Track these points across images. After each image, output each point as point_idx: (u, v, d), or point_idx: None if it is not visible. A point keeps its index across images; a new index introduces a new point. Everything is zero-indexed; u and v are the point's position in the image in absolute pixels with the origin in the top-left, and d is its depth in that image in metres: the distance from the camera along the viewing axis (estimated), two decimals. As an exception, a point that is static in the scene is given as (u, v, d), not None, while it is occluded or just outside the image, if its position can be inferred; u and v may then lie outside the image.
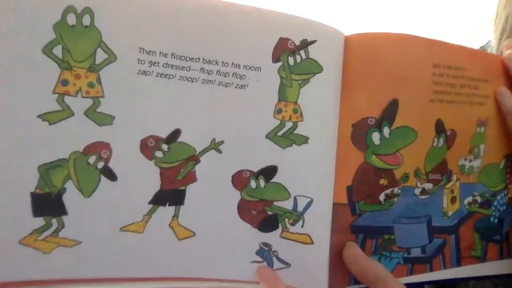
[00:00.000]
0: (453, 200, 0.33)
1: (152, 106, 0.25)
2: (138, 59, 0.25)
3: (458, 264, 0.34)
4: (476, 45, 0.49)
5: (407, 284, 0.32)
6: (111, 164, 0.25)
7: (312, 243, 0.28)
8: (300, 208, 0.28)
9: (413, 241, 0.32)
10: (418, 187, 0.31)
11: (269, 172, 0.27)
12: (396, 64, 0.29)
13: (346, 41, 0.29)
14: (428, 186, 0.32)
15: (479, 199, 0.35)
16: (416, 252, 0.32)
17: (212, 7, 0.25)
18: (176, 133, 0.26)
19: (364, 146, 0.29)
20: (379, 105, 0.29)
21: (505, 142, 0.35)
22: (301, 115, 0.27)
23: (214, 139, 0.26)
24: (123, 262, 0.26)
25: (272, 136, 0.27)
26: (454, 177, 0.33)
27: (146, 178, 0.26)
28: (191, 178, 0.26)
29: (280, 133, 0.27)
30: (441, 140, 0.32)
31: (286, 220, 0.28)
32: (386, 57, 0.29)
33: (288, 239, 0.28)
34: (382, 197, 0.30)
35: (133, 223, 0.26)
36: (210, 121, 0.26)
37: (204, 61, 0.25)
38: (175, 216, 0.26)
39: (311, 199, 0.28)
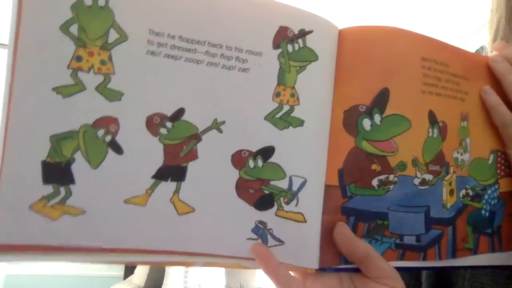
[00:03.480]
0: (451, 192, 0.35)
1: (159, 85, 0.27)
2: (148, 40, 0.26)
3: (454, 256, 0.35)
4: (475, 45, 0.51)
5: (397, 268, 0.33)
6: (118, 138, 0.26)
7: (305, 221, 0.30)
8: (294, 187, 0.30)
9: (408, 229, 0.33)
10: (418, 177, 0.33)
11: (266, 152, 0.29)
12: (387, 55, 0.31)
13: (340, 34, 0.31)
14: (429, 177, 0.33)
15: (470, 192, 0.36)
16: (410, 240, 0.33)
17: None
18: (180, 111, 0.27)
19: (355, 132, 0.31)
20: (370, 94, 0.31)
21: (490, 137, 0.37)
22: (298, 99, 0.29)
23: (216, 119, 0.28)
24: (125, 234, 0.27)
25: (270, 118, 0.29)
26: (451, 170, 0.35)
27: (150, 153, 0.27)
28: (192, 155, 0.28)
29: (278, 115, 0.29)
30: (436, 131, 0.33)
31: (281, 199, 0.29)
32: (377, 49, 0.31)
33: (283, 217, 0.30)
34: (375, 182, 0.31)
35: (136, 196, 0.27)
36: (212, 102, 0.28)
37: (209, 45, 0.27)
38: (176, 191, 0.28)
39: (305, 179, 0.30)
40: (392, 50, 0.31)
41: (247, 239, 0.29)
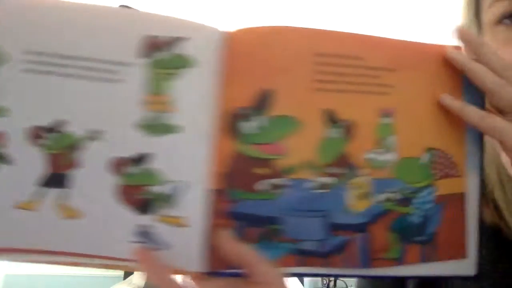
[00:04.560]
0: (361, 196, 0.32)
1: (39, 100, 0.29)
2: (25, 59, 0.29)
3: (368, 265, 0.33)
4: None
5: (298, 274, 0.32)
6: (6, 151, 0.29)
7: (188, 226, 0.30)
8: (174, 192, 0.30)
9: (306, 235, 0.32)
10: (313, 181, 0.31)
11: (142, 159, 0.30)
12: (271, 55, 0.31)
13: (226, 36, 0.31)
14: (327, 180, 0.31)
15: (396, 196, 0.33)
16: (309, 246, 0.32)
17: (87, 9, 0.29)
18: (60, 123, 0.29)
19: (237, 135, 0.30)
20: (252, 96, 0.30)
21: (426, 134, 0.34)
22: (172, 106, 0.30)
23: (93, 129, 0.30)
24: (18, 235, 0.30)
25: (143, 125, 0.30)
26: (362, 172, 0.32)
27: (35, 163, 0.30)
28: (74, 164, 0.30)
29: (151, 123, 0.30)
30: (336, 130, 0.32)
31: (162, 203, 0.30)
32: (261, 49, 0.30)
33: (164, 221, 0.30)
34: (263, 186, 0.31)
35: (26, 201, 0.30)
36: (89, 113, 0.29)
37: (81, 59, 0.29)
38: (62, 197, 0.30)
39: (185, 184, 0.30)
40: (277, 49, 0.31)
41: (132, 242, 0.31)
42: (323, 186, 0.31)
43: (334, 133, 0.31)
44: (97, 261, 0.31)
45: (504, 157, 0.35)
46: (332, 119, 0.31)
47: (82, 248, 0.30)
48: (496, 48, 0.37)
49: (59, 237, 0.30)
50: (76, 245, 0.30)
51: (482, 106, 0.35)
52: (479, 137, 0.35)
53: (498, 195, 0.41)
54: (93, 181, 0.30)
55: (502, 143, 0.33)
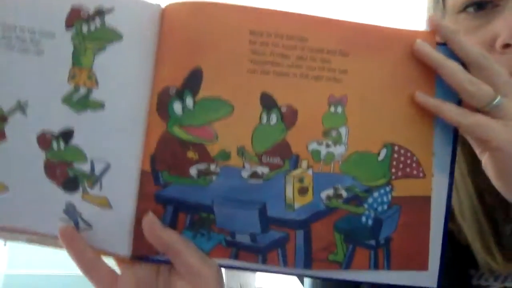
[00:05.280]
0: (302, 190, 0.30)
1: None
2: None
3: (308, 266, 0.30)
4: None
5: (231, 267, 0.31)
6: None
7: (110, 207, 0.29)
8: (97, 171, 0.29)
9: (239, 226, 0.30)
10: (246, 169, 0.29)
11: (66, 135, 0.29)
12: (202, 32, 0.28)
13: (159, 10, 0.29)
14: (262, 169, 0.29)
15: (344, 194, 0.30)
16: (243, 239, 0.30)
17: None
18: None
19: (166, 116, 0.29)
20: (182, 74, 0.28)
21: (384, 128, 0.31)
22: (96, 81, 0.28)
23: (19, 101, 0.29)
24: None
25: (67, 100, 0.28)
26: (304, 164, 0.30)
27: None
28: (1, 136, 0.29)
29: (74, 98, 0.28)
30: (274, 116, 0.29)
31: (85, 182, 0.29)
32: (192, 25, 0.28)
33: (88, 201, 0.29)
34: (193, 171, 0.29)
35: None
36: (13, 84, 0.29)
37: (4, 27, 0.28)
38: None
39: (109, 163, 0.29)
40: (208, 25, 0.28)
41: (60, 219, 0.30)
42: (257, 175, 0.29)
43: (271, 119, 0.29)
44: (24, 236, 0.30)
45: (484, 159, 0.31)
46: (269, 104, 0.29)
47: (14, 223, 0.30)
48: None
49: None
50: (8, 219, 0.30)
51: (459, 99, 0.31)
52: (451, 135, 0.32)
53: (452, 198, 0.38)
54: (22, 154, 0.29)
55: (485, 142, 0.29)
